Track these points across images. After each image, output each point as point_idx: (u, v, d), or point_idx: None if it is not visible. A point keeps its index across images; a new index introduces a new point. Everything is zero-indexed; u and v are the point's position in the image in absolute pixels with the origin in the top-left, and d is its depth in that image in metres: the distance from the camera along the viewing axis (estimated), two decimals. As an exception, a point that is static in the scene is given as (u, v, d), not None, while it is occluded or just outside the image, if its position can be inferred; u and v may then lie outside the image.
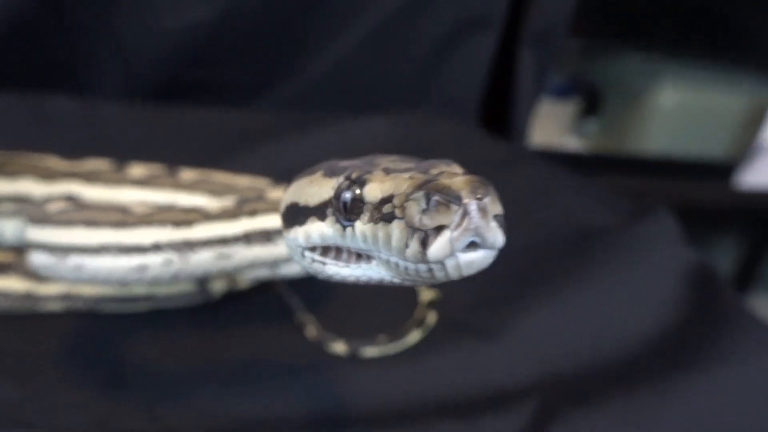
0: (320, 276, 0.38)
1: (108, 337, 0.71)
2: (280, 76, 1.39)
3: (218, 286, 0.76)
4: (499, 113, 1.47)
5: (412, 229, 0.29)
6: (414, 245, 0.29)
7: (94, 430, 0.59)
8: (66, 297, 0.70)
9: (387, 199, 0.31)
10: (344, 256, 0.35)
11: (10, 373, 0.63)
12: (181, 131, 1.21)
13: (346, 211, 0.33)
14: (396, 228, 0.30)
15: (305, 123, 1.28)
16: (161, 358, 0.68)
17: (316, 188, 0.36)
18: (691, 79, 2.01)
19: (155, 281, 0.58)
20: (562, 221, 0.99)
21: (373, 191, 0.32)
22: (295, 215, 0.39)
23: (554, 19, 1.36)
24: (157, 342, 0.71)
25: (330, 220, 0.34)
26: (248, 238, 0.58)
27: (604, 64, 2.20)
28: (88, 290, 0.70)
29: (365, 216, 0.32)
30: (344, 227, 0.33)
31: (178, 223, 0.56)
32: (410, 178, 0.31)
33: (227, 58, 1.33)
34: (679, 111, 1.99)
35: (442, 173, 0.31)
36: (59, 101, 1.20)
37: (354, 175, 0.33)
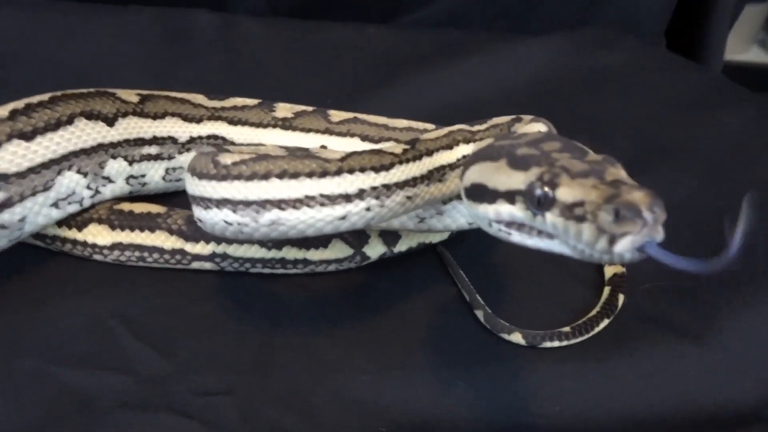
0: (503, 240, 0.48)
1: (257, 304, 0.64)
2: None
3: (375, 251, 0.67)
4: (689, 31, 1.23)
5: (601, 230, 0.40)
6: (603, 242, 0.40)
7: (243, 426, 0.53)
8: (214, 256, 0.64)
9: (578, 204, 0.41)
10: (526, 229, 0.45)
11: (157, 344, 0.59)
12: (325, 50, 1.10)
13: (539, 203, 0.43)
14: (587, 228, 0.41)
15: (460, 45, 1.12)
16: (312, 337, 0.61)
17: (503, 177, 0.46)
18: None
19: (349, 228, 0.55)
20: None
21: (564, 195, 0.42)
22: (483, 194, 0.48)
23: None
24: (309, 314, 0.63)
25: (520, 206, 0.45)
26: (429, 177, 0.58)
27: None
28: (237, 251, 0.64)
29: (556, 210, 0.42)
30: (534, 214, 0.44)
31: (377, 168, 0.55)
32: (594, 186, 0.41)
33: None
34: None
35: (618, 182, 0.41)
36: (199, 16, 1.13)
37: (546, 178, 0.43)
